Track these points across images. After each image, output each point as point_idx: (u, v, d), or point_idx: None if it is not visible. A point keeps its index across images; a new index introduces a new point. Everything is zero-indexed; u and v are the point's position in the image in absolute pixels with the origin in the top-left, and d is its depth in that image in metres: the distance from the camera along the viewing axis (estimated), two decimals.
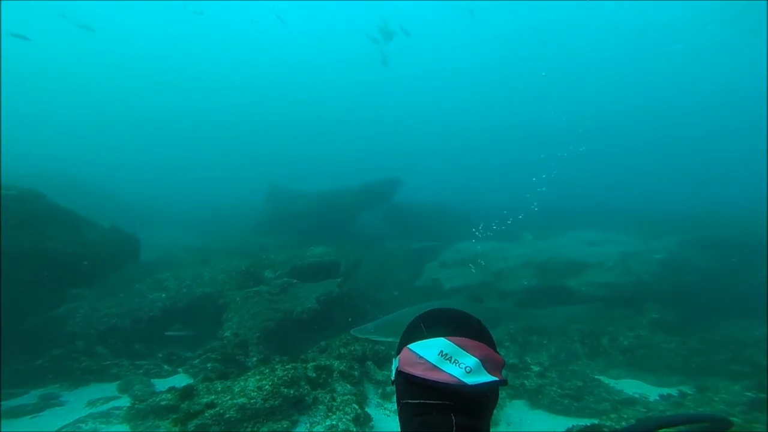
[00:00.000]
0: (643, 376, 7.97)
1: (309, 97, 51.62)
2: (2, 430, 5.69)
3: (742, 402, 6.00)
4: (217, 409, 5.19)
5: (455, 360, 0.97)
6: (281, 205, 20.54)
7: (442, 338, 1.01)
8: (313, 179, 33.96)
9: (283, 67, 46.52)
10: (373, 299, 11.97)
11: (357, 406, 5.73)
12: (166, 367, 8.04)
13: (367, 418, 5.71)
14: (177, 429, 5.01)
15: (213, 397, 5.47)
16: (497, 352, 1.04)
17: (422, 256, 15.07)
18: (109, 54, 41.83)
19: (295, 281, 10.10)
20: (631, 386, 7.50)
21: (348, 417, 5.50)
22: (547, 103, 44.00)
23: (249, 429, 5.10)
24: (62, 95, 48.76)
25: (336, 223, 18.48)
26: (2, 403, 6.34)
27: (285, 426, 5.30)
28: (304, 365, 6.43)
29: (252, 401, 5.31)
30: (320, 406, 5.77)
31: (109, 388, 7.10)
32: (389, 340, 6.61)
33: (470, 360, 0.97)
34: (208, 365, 7.41)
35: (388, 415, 6.15)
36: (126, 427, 5.65)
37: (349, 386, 6.41)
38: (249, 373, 6.11)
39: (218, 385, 5.79)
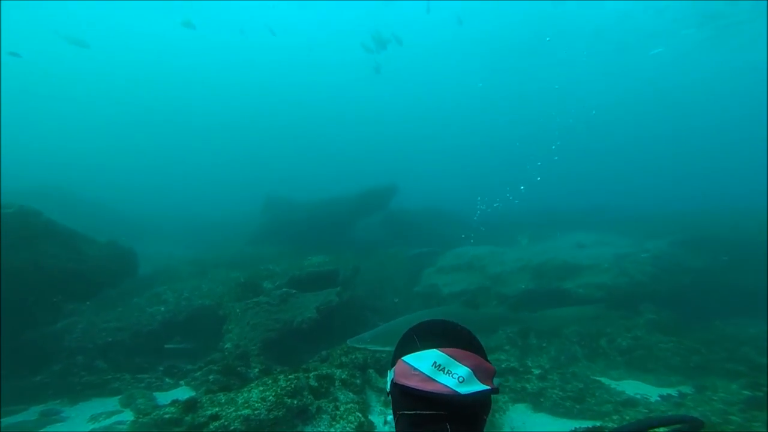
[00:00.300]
0: (643, 377, 7.99)
1: (301, 107, 52.01)
2: None
3: (740, 401, 6.07)
4: (222, 421, 5.18)
5: (448, 370, 1.01)
6: (278, 215, 20.55)
7: (435, 349, 1.04)
8: (307, 186, 34.18)
9: (276, 76, 46.83)
10: (373, 307, 11.99)
11: (360, 414, 5.74)
12: (167, 380, 8.00)
13: (371, 425, 5.72)
14: None
15: (217, 409, 5.46)
16: (488, 361, 1.09)
17: (420, 262, 15.12)
18: (102, 66, 41.91)
19: (294, 291, 10.09)
20: (631, 387, 7.52)
21: (352, 425, 5.51)
22: (539, 108, 44.80)
23: None
24: (57, 108, 48.73)
25: (333, 231, 18.52)
26: (2, 420, 6.29)
27: None
28: (306, 375, 6.42)
29: (256, 412, 5.30)
30: (324, 416, 5.78)
31: (111, 403, 7.05)
32: (386, 349, 6.57)
33: (462, 370, 1.01)
34: (210, 377, 7.36)
35: (391, 423, 6.17)
36: None
37: (351, 394, 6.41)
38: (252, 384, 6.10)
39: (222, 397, 5.78)
